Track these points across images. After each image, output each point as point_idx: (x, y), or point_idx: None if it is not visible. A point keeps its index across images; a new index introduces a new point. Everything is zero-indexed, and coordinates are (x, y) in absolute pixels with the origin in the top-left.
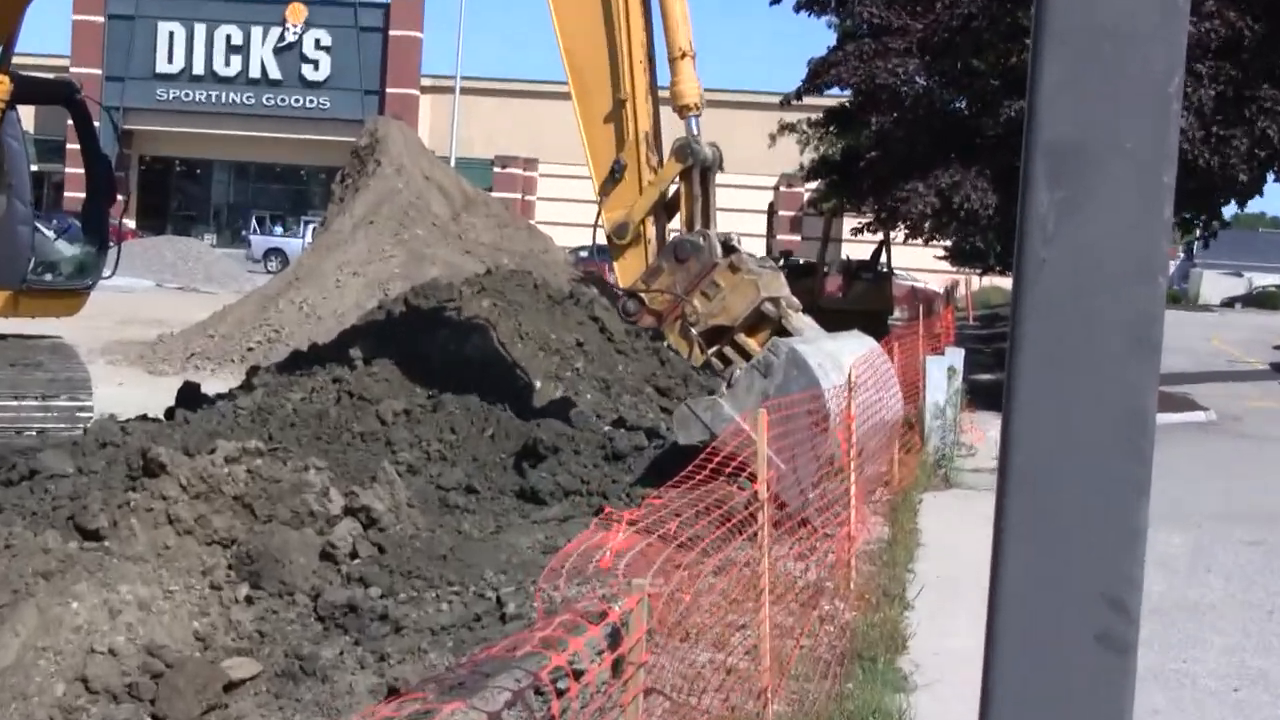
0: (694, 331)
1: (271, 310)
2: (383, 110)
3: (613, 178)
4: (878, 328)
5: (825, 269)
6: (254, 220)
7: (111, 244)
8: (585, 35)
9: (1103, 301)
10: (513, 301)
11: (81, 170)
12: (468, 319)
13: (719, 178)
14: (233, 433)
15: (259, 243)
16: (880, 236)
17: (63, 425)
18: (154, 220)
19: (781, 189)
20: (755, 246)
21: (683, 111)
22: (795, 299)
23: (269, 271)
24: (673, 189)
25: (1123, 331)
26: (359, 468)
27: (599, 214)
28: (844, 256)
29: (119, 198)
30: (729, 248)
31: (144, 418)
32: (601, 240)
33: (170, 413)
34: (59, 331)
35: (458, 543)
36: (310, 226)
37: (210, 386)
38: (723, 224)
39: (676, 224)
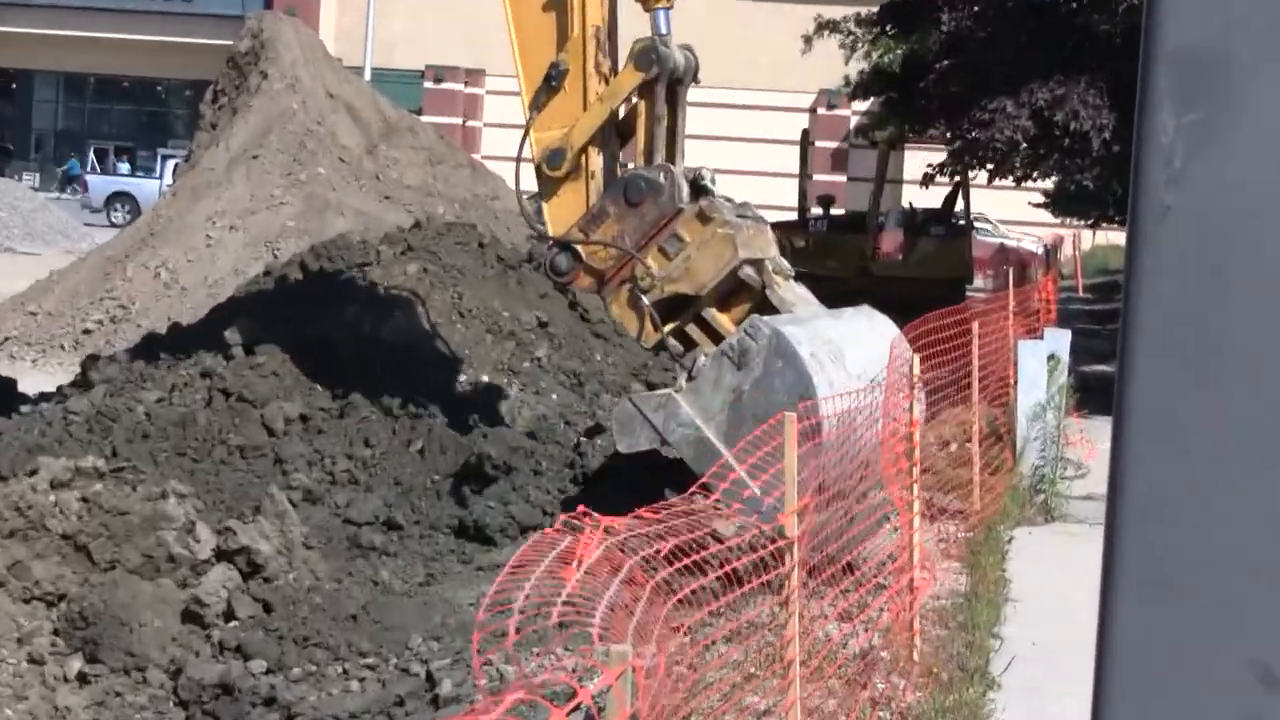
0: (646, 300)
1: (117, 278)
2: (270, 4)
3: (549, 86)
4: (951, 301)
5: (880, 220)
6: (92, 154)
7: None
8: None
9: (1250, 263)
10: (450, 266)
11: None
12: (387, 290)
13: (716, 94)
14: (62, 447)
15: (99, 185)
16: (955, 176)
17: None
18: None
19: (820, 111)
20: (782, 190)
21: (647, 3)
22: (785, 263)
23: (113, 224)
24: (629, 106)
25: None
26: (238, 495)
27: (526, 133)
28: (906, 204)
29: None
30: (700, 189)
31: None
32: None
33: None
34: None
35: (373, 598)
36: (171, 163)
37: (30, 383)
38: (737, 157)
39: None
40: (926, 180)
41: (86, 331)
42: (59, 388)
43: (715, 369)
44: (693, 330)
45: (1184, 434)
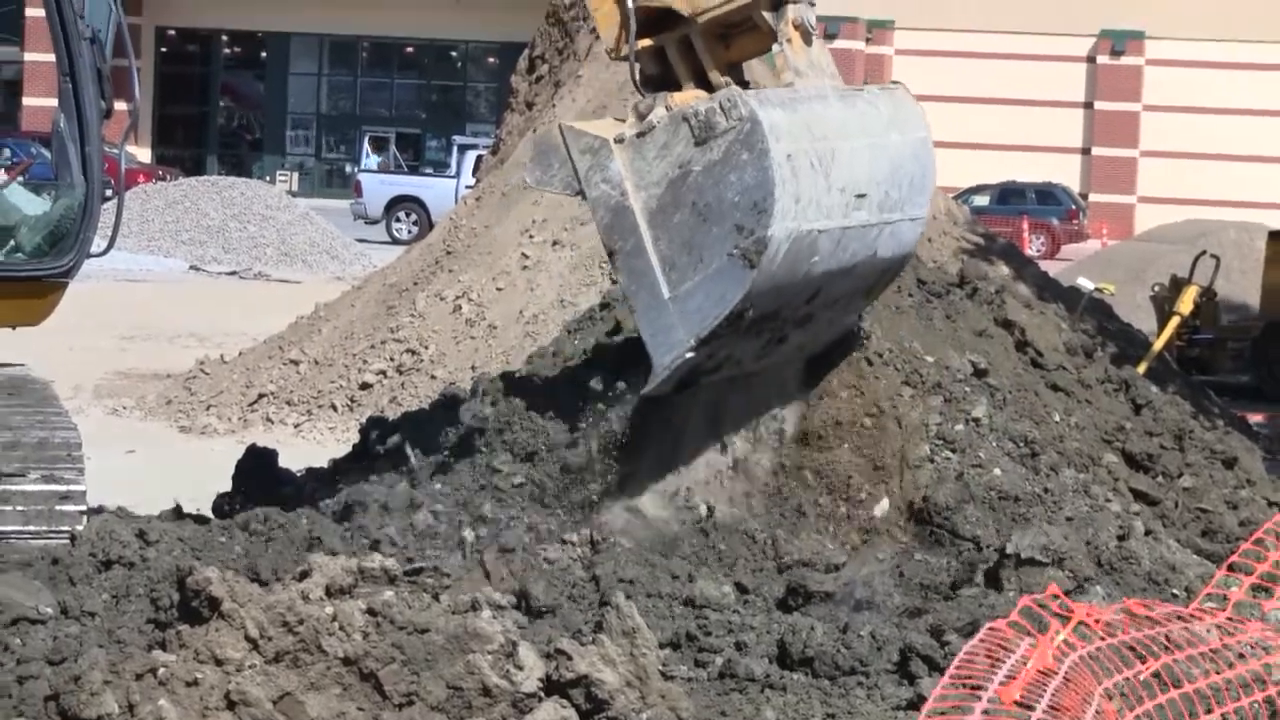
0: (631, 1)
1: (404, 313)
2: None
3: None
4: None
5: None
6: (366, 145)
7: (107, 194)
8: None
9: None
10: None
11: (52, 59)
12: None
13: (1193, 48)
14: (355, 541)
15: (376, 186)
16: None
17: (33, 527)
18: (185, 149)
19: None
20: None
21: None
22: (813, 17)
23: (396, 240)
24: None
25: None
26: (570, 606)
27: None
28: None
29: (119, 108)
30: None
31: (178, 513)
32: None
33: (226, 504)
34: (18, 353)
35: None
36: (471, 156)
37: (294, 455)
38: (1222, 136)
39: None
40: None
41: (365, 386)
42: (333, 461)
43: (669, 132)
44: (674, 59)
45: None
